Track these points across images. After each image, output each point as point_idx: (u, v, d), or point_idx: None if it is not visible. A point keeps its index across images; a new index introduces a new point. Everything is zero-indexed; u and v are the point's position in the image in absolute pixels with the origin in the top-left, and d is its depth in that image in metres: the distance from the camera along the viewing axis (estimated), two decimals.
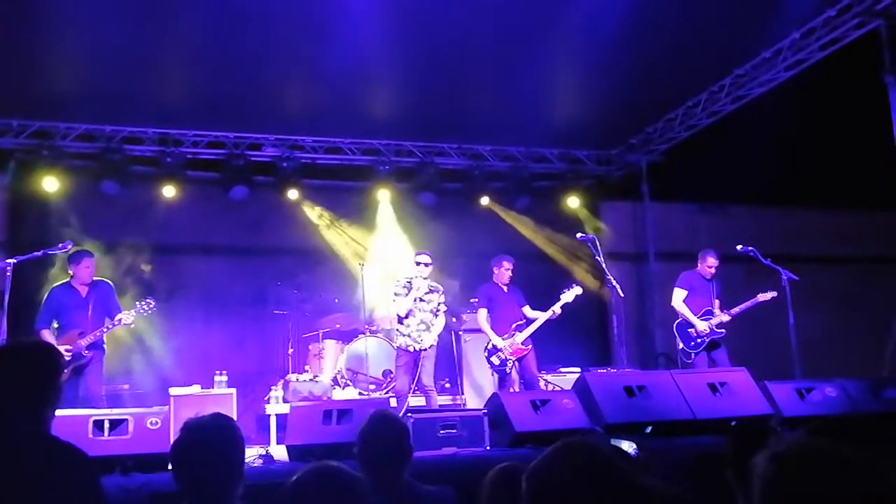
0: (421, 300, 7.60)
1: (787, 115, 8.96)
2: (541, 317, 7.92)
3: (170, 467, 2.75)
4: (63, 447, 2.59)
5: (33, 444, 2.55)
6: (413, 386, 7.55)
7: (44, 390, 2.68)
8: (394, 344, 7.73)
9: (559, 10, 7.47)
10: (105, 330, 6.78)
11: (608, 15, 7.33)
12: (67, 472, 2.54)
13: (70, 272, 6.93)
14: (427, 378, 7.53)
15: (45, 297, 6.89)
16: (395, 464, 3.24)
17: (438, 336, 7.73)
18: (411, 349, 7.52)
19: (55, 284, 6.96)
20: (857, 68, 8.25)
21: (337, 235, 10.24)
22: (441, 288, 7.82)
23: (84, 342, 6.66)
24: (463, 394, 9.00)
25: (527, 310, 8.11)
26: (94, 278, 7.00)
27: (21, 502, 2.46)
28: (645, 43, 7.89)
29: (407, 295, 7.57)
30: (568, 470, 1.99)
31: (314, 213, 10.20)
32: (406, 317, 7.57)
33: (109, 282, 7.17)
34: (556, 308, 7.88)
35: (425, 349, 7.54)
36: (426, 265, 7.62)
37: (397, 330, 7.69)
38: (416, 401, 7.71)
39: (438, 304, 7.69)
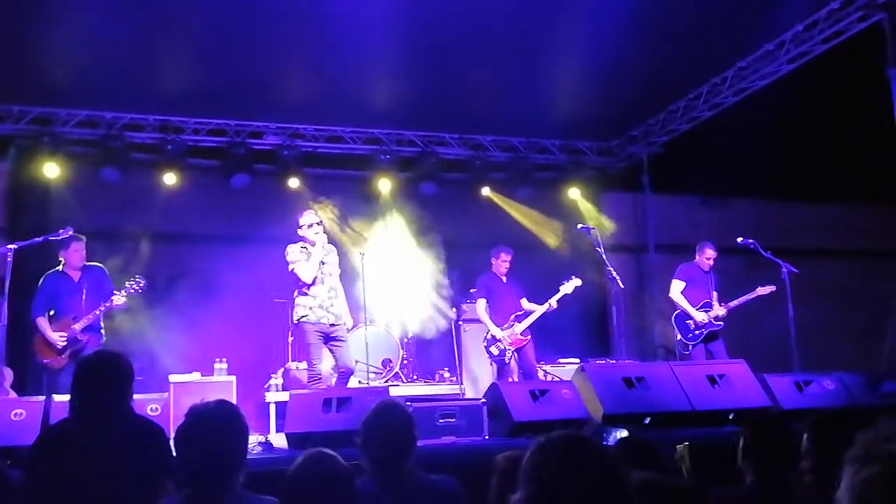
0: (323, 263, 6.87)
1: (790, 109, 8.95)
2: (538, 309, 7.93)
3: (173, 451, 2.86)
4: (144, 421, 3.49)
5: (122, 422, 3.34)
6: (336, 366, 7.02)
7: (126, 392, 3.44)
8: (295, 319, 6.90)
9: (562, 2, 7.46)
10: (98, 312, 6.78)
11: (611, 6, 7.32)
12: (149, 440, 3.31)
13: (61, 258, 6.93)
14: (348, 360, 6.93)
15: (39, 285, 6.90)
16: (399, 452, 3.22)
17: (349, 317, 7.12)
18: (324, 321, 6.76)
19: (48, 272, 6.95)
20: (860, 61, 8.23)
21: (337, 225, 10.23)
22: (334, 248, 7.16)
23: (78, 326, 6.70)
24: (462, 383, 9.02)
25: (524, 302, 8.13)
26: (87, 263, 6.99)
27: (116, 464, 3.14)
28: (647, 34, 7.88)
29: (308, 259, 6.78)
30: (553, 464, 1.98)
31: (315, 203, 10.16)
32: (312, 284, 6.79)
33: (102, 266, 7.14)
34: (553, 301, 7.89)
35: (339, 323, 6.85)
36: (318, 224, 6.91)
37: (300, 304, 6.82)
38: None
39: (337, 264, 7.06)
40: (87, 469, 3.08)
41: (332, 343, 6.88)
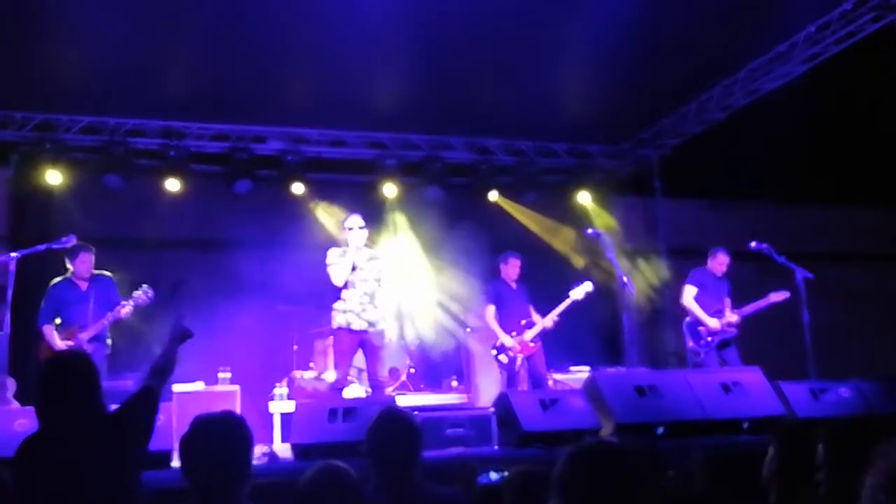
0: (361, 268, 6.78)
1: (802, 110, 8.88)
2: (540, 322, 7.79)
3: (176, 463, 2.89)
4: (112, 417, 3.36)
5: (93, 421, 3.22)
6: (354, 376, 6.88)
7: (88, 391, 3.27)
8: (332, 325, 6.83)
9: (570, 2, 7.39)
10: (105, 322, 6.75)
11: (620, 7, 7.24)
12: (122, 434, 3.23)
13: (69, 267, 6.90)
14: (381, 370, 6.81)
15: (46, 293, 6.85)
16: (405, 462, 3.19)
17: (392, 324, 7.09)
18: (355, 327, 6.67)
19: (55, 280, 6.92)
20: (874, 62, 8.22)
21: (341, 230, 10.13)
22: (382, 255, 7.13)
23: (85, 336, 6.65)
24: (470, 392, 8.94)
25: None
26: (95, 272, 6.96)
27: (93, 466, 3.07)
28: (657, 35, 7.81)
29: (343, 264, 6.73)
30: (584, 474, 1.99)
31: (319, 208, 10.11)
32: (344, 288, 6.73)
33: (110, 274, 7.09)
34: (549, 320, 7.76)
35: (373, 330, 6.72)
36: (360, 228, 6.83)
37: (335, 308, 6.75)
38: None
39: (380, 271, 6.90)
40: (65, 476, 3.02)
41: (365, 350, 6.79)
